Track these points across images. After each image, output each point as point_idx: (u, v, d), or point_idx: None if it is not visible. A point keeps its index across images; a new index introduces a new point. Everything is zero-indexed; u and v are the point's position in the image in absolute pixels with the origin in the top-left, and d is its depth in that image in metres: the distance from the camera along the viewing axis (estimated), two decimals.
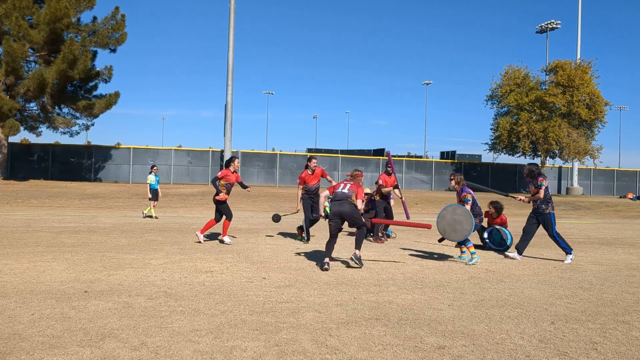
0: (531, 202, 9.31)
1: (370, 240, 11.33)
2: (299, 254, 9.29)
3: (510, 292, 6.48)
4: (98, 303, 5.40)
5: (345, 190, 8.18)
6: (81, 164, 36.14)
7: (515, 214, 22.48)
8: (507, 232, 10.50)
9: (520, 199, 9.74)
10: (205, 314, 5.09)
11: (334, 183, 9.12)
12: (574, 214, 25.92)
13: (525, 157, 42.27)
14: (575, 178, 45.13)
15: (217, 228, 11.90)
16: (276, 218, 11.59)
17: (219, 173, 10.49)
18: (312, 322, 4.91)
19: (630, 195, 41.91)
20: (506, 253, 9.54)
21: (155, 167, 17.24)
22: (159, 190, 16.86)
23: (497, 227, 10.59)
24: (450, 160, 48.33)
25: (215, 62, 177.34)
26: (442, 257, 9.40)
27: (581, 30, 43.37)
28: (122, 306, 5.30)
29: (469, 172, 43.98)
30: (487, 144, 43.32)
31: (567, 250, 9.16)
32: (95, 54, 33.04)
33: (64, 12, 28.18)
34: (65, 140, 40.67)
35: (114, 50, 32.89)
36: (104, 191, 27.18)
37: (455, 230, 8.57)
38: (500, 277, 7.52)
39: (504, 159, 40.83)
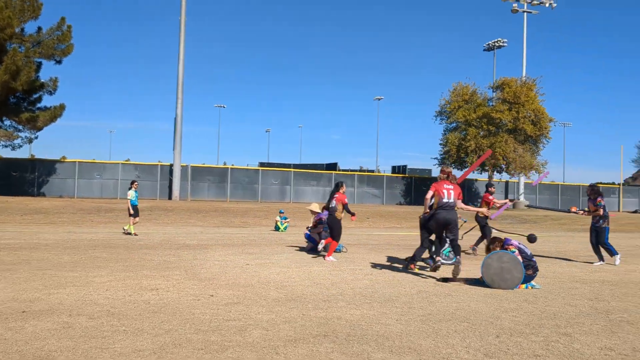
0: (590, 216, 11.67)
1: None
2: (248, 266, 9.17)
3: (458, 305, 6.55)
4: (36, 323, 5.17)
5: (452, 200, 8.68)
6: (24, 178, 34.84)
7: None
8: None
9: (581, 213, 12.06)
10: (149, 333, 4.94)
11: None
12: (521, 228, 26.59)
13: (474, 172, 43.28)
14: (522, 192, 46.39)
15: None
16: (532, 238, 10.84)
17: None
18: (259, 340, 4.83)
19: (574, 209, 43.38)
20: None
21: (135, 183, 16.31)
22: (138, 206, 16.05)
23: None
24: (401, 175, 48.97)
25: (166, 73, 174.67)
26: (393, 269, 9.45)
27: (526, 49, 44.79)
28: (62, 326, 5.09)
29: (420, 186, 44.64)
30: (436, 158, 44.13)
31: (614, 252, 11.34)
32: (39, 65, 31.97)
33: (6, 21, 27.26)
34: (6, 153, 39.25)
35: (59, 62, 31.91)
36: (48, 206, 26.27)
37: (505, 279, 7.88)
38: (448, 291, 7.60)
39: (453, 173, 41.62)
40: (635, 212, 46.68)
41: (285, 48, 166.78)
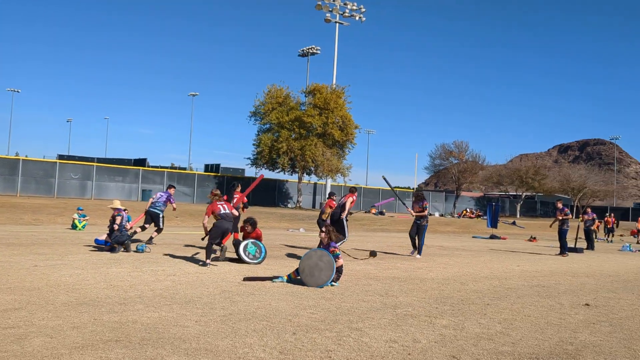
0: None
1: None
2: (35, 268, 8.31)
3: (259, 304, 6.60)
4: None
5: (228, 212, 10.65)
6: None
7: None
8: (261, 245, 10.84)
9: (413, 214, 14.08)
10: None
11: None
12: None
13: (284, 173, 44.49)
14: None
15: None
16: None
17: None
18: (40, 348, 4.37)
19: (373, 211, 46.66)
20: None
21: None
22: None
23: (252, 240, 10.84)
24: (214, 174, 48.60)
25: None
26: (197, 270, 9.25)
27: (337, 58, 47.15)
28: None
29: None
30: (249, 158, 44.58)
31: (420, 250, 13.87)
32: None
33: None
34: None
35: None
36: None
37: (312, 275, 8.22)
38: (252, 290, 7.64)
39: (265, 173, 42.28)
40: None
41: (91, 31, 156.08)
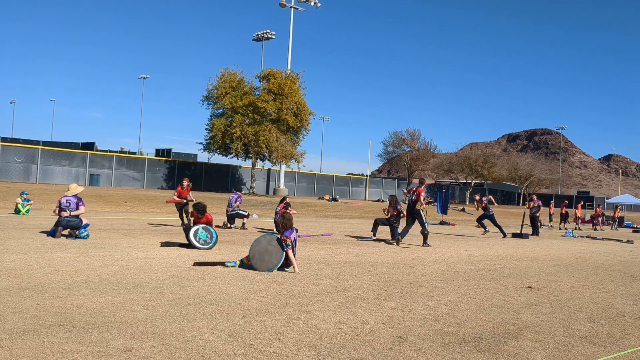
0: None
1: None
2: None
3: (209, 289, 6.55)
4: None
5: None
6: None
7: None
8: (212, 230, 10.75)
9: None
10: None
11: None
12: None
13: (238, 159, 44.11)
14: (282, 180, 48.66)
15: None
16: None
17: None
18: None
19: (327, 197, 46.91)
20: None
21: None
22: None
23: (203, 225, 10.74)
24: (165, 158, 47.77)
25: None
26: (146, 255, 9.10)
27: (292, 43, 47.02)
28: None
29: (183, 171, 44.08)
30: (202, 143, 43.95)
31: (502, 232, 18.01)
32: None
33: None
34: None
35: None
36: None
37: (263, 259, 8.22)
38: (201, 275, 7.57)
39: (218, 159, 41.97)
40: (378, 200, 52.27)
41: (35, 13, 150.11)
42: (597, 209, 32.93)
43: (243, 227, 16.47)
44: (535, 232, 21.32)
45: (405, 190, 15.55)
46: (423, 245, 13.64)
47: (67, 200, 11.35)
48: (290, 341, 4.54)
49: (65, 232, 11.23)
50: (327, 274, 8.29)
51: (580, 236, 22.72)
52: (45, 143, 53.78)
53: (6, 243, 9.72)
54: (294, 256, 8.35)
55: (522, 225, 21.05)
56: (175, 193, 15.96)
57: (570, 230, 24.46)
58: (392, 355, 4.35)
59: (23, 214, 16.81)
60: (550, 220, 31.73)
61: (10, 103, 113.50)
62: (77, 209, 11.30)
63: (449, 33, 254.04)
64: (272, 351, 4.25)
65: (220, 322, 5.00)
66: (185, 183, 15.92)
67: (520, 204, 68.86)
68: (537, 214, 21.73)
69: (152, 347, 4.16)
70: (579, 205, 34.05)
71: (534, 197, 23.22)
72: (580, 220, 31.84)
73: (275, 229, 14.30)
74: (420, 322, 5.45)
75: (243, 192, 45.54)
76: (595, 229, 30.80)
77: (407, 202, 14.84)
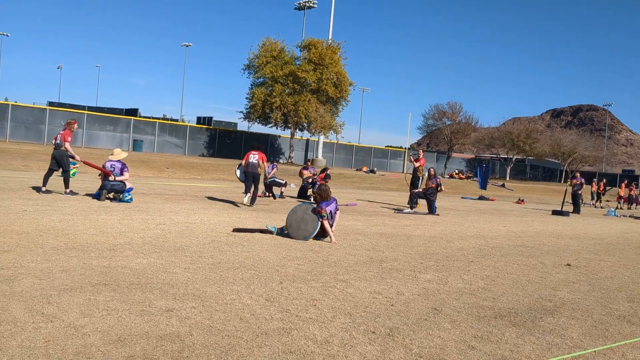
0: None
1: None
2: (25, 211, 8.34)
3: (247, 255, 6.69)
4: None
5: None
6: None
7: None
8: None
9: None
10: None
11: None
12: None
13: (277, 128, 44.27)
14: (320, 150, 48.73)
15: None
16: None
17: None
18: (29, 289, 4.44)
19: (364, 169, 46.79)
20: None
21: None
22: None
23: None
24: (205, 126, 48.33)
25: None
26: (187, 220, 9.31)
27: (334, 13, 46.49)
28: None
29: (224, 139, 44.55)
30: (242, 112, 44.26)
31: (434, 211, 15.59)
32: None
33: None
34: None
35: None
36: None
37: (299, 228, 8.35)
38: (240, 241, 7.72)
39: (258, 128, 42.26)
40: None
41: None
42: (622, 185, 32.09)
43: (281, 195, 16.56)
44: (577, 210, 20.90)
45: (412, 158, 17.42)
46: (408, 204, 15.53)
47: (111, 164, 11.65)
48: (326, 308, 4.62)
49: (110, 195, 11.56)
50: (363, 244, 8.34)
51: (623, 215, 22.17)
52: (90, 108, 55.02)
53: (53, 204, 10.08)
54: (332, 227, 8.43)
55: (562, 202, 20.65)
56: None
57: (613, 209, 23.88)
58: (427, 325, 4.39)
59: (70, 177, 17.29)
60: (593, 198, 31.00)
61: (58, 68, 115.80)
62: (121, 174, 11.59)
63: (494, 13, 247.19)
64: (309, 317, 4.34)
65: (258, 287, 5.12)
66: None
67: (562, 181, 67.39)
68: (580, 192, 21.27)
69: (192, 308, 4.30)
70: (623, 184, 33.12)
71: (577, 174, 22.70)
72: (622, 200, 31.02)
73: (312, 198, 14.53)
74: (455, 295, 5.46)
75: (281, 161, 45.99)
76: (630, 208, 30.10)
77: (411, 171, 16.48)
